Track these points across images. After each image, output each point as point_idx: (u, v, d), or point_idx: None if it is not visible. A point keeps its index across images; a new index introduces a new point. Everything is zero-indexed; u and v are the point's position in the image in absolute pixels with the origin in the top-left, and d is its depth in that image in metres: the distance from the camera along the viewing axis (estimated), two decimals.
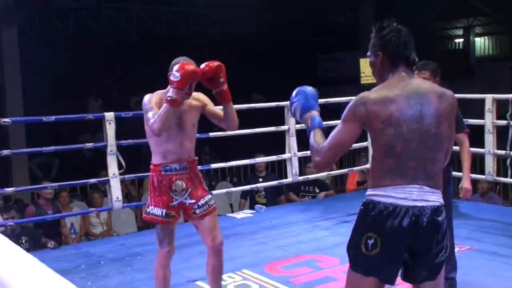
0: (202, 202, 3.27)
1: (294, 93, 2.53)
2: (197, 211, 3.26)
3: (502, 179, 5.84)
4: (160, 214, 3.23)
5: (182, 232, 5.49)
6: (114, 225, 7.25)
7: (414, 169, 2.21)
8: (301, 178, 6.40)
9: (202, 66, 3.11)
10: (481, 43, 18.33)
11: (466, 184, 3.78)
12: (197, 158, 3.37)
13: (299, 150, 6.13)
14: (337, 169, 7.45)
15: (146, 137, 3.28)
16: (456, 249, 4.52)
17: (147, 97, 3.20)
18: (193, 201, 3.25)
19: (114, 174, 5.00)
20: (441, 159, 2.30)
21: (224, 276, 4.10)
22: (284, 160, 6.32)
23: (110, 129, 4.98)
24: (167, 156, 3.21)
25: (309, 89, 2.52)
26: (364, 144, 6.46)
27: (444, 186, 3.49)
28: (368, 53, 2.42)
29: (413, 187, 2.21)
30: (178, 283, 4.07)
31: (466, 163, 3.77)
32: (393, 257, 2.22)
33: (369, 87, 7.25)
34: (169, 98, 2.99)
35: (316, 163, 2.32)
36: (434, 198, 2.24)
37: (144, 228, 7.34)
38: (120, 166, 5.04)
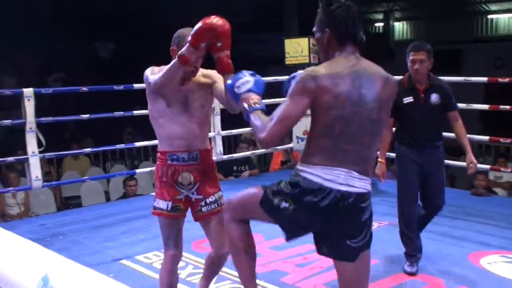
0: (211, 199, 2.83)
1: (247, 72, 2.41)
2: (204, 209, 2.83)
3: None
4: (165, 208, 2.79)
5: (105, 212, 5.42)
6: (32, 206, 7.00)
7: (348, 152, 2.18)
8: (225, 157, 6.42)
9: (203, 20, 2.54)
10: (399, 27, 18.88)
11: (473, 159, 3.83)
12: (211, 147, 2.94)
13: (222, 129, 6.14)
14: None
15: (150, 119, 2.83)
16: (376, 225, 4.71)
17: (148, 69, 2.75)
18: (200, 196, 2.82)
19: (33, 152, 4.81)
20: (376, 145, 2.28)
21: (149, 254, 4.12)
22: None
23: (29, 106, 4.79)
24: (174, 143, 2.76)
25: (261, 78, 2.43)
26: None
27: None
28: (314, 29, 2.32)
29: (341, 171, 2.17)
30: (103, 262, 4.01)
31: (466, 139, 3.88)
32: (297, 225, 2.25)
33: (293, 67, 7.30)
34: (180, 53, 2.52)
35: (262, 140, 2.18)
36: (360, 184, 2.20)
37: (64, 209, 7.16)
38: (39, 144, 4.86)
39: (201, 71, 2.81)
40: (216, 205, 2.83)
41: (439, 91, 3.73)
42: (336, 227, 2.21)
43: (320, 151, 2.18)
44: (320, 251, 2.34)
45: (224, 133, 6.20)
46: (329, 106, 2.15)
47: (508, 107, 4.86)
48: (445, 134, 4.49)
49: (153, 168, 7.16)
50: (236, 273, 3.67)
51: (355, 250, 2.25)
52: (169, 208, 2.78)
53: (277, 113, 2.17)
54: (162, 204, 2.80)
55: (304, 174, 2.20)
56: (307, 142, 2.27)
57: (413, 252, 3.79)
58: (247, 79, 2.36)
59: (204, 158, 2.83)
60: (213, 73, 2.80)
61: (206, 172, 2.84)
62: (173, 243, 2.85)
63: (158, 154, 2.84)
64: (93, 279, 1.14)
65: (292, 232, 2.30)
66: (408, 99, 3.71)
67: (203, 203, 2.82)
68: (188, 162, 2.77)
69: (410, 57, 3.69)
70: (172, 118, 2.73)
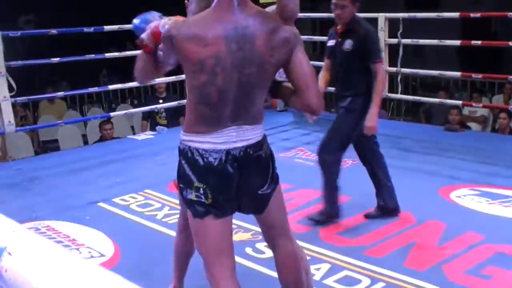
0: None
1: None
2: None
3: (393, 95, 6.09)
4: None
5: (81, 155, 5.42)
6: (10, 150, 6.96)
7: (231, 114, 1.98)
8: None
9: None
10: None
11: (370, 122, 3.42)
12: None
13: None
14: None
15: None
16: (350, 162, 4.78)
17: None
18: None
19: (4, 97, 4.76)
20: (262, 100, 2.05)
21: (126, 197, 4.17)
22: (184, 81, 6.26)
23: None
24: None
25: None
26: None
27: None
28: None
29: (231, 129, 1.99)
30: (80, 205, 4.05)
31: (376, 97, 3.42)
32: (226, 200, 2.04)
33: (267, 6, 7.16)
34: (139, 40, 2.19)
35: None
36: (253, 134, 2.04)
37: (41, 153, 7.15)
38: (10, 88, 4.80)
39: None
40: None
41: (354, 37, 3.43)
42: (246, 182, 2.06)
43: (202, 118, 1.98)
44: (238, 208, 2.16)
45: None
46: (195, 72, 1.91)
47: (479, 42, 4.86)
48: (419, 71, 4.44)
49: (131, 110, 7.11)
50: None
51: (264, 199, 2.13)
52: None
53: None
54: None
55: (193, 144, 2.00)
56: (187, 106, 2.05)
57: None
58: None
59: None
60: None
61: None
62: None
63: None
64: (53, 252, 1.14)
65: (227, 211, 2.09)
66: (330, 42, 3.60)
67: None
68: None
69: (333, 0, 3.44)
70: None
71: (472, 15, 5.06)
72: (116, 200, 4.12)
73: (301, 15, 6.69)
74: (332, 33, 3.62)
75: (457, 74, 5.58)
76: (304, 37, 6.78)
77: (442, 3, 15.13)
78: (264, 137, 2.11)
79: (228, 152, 2.00)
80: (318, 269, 3.00)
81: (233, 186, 2.04)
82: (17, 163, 5.51)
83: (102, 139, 6.60)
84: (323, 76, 3.73)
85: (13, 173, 4.90)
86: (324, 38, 6.07)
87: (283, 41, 1.95)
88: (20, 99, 5.09)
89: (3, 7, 11.22)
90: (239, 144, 2.01)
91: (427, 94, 8.58)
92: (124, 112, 6.82)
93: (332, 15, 3.54)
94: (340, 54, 3.50)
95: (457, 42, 5.50)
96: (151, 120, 7.08)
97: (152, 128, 6.71)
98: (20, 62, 4.96)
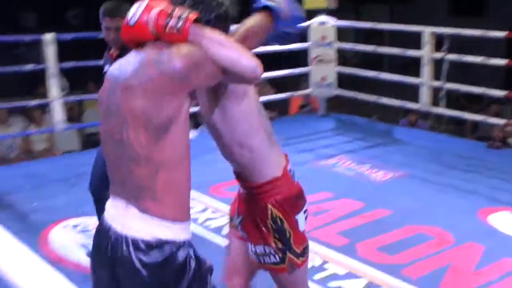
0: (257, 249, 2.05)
1: None
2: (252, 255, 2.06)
3: (436, 110, 6.00)
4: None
5: None
6: (57, 141, 7.16)
7: (117, 182, 1.60)
8: None
9: None
10: None
11: None
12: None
13: None
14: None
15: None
16: (391, 175, 4.77)
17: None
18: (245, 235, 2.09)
19: (56, 96, 4.91)
20: (142, 175, 1.51)
21: None
22: None
23: (50, 51, 4.83)
24: None
25: None
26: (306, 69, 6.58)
27: None
28: None
29: (119, 202, 1.57)
30: None
31: None
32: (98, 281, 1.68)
33: (313, 12, 6.93)
34: None
35: None
36: (141, 227, 1.51)
37: (88, 146, 7.33)
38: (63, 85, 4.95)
39: None
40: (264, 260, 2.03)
41: None
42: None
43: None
44: None
45: None
46: None
47: None
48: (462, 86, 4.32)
49: None
50: None
51: None
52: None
53: None
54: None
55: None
56: None
57: None
58: None
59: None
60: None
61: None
62: None
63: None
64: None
65: None
66: (107, 68, 2.96)
67: (251, 247, 2.05)
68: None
69: (105, 25, 3.09)
70: None
71: None
72: None
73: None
74: (107, 58, 3.20)
75: (502, 93, 5.47)
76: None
77: (489, 7, 14.85)
78: (165, 244, 1.51)
79: (106, 227, 1.58)
80: (354, 285, 3.07)
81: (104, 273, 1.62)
82: (65, 158, 5.66)
83: None
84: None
85: (61, 168, 5.05)
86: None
87: (160, 80, 1.50)
88: (70, 99, 5.20)
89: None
90: (119, 228, 1.54)
91: (473, 106, 8.43)
92: None
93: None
94: None
95: (503, 62, 5.40)
96: (194, 119, 7.18)
97: (196, 127, 6.79)
98: (71, 64, 5.06)
